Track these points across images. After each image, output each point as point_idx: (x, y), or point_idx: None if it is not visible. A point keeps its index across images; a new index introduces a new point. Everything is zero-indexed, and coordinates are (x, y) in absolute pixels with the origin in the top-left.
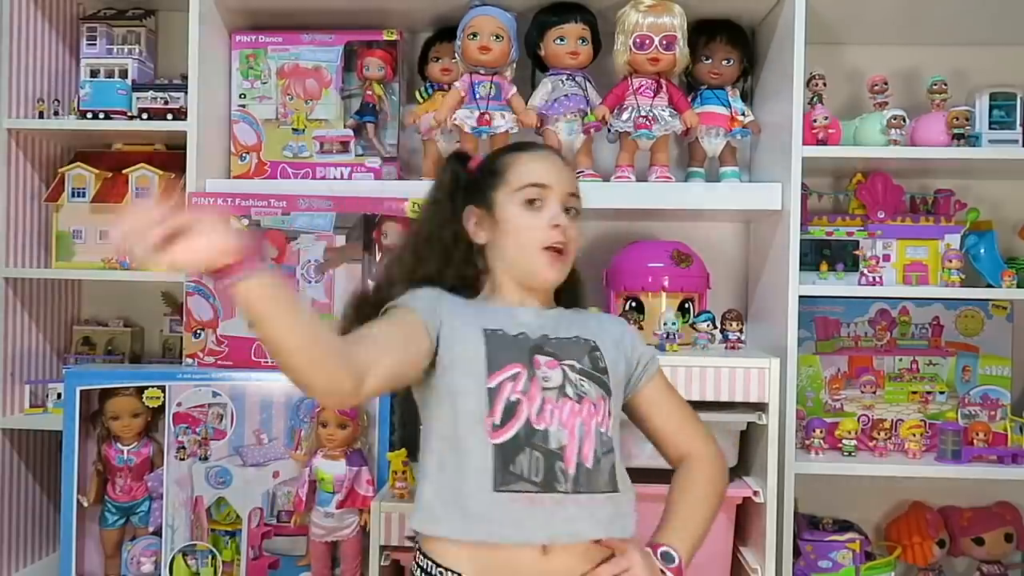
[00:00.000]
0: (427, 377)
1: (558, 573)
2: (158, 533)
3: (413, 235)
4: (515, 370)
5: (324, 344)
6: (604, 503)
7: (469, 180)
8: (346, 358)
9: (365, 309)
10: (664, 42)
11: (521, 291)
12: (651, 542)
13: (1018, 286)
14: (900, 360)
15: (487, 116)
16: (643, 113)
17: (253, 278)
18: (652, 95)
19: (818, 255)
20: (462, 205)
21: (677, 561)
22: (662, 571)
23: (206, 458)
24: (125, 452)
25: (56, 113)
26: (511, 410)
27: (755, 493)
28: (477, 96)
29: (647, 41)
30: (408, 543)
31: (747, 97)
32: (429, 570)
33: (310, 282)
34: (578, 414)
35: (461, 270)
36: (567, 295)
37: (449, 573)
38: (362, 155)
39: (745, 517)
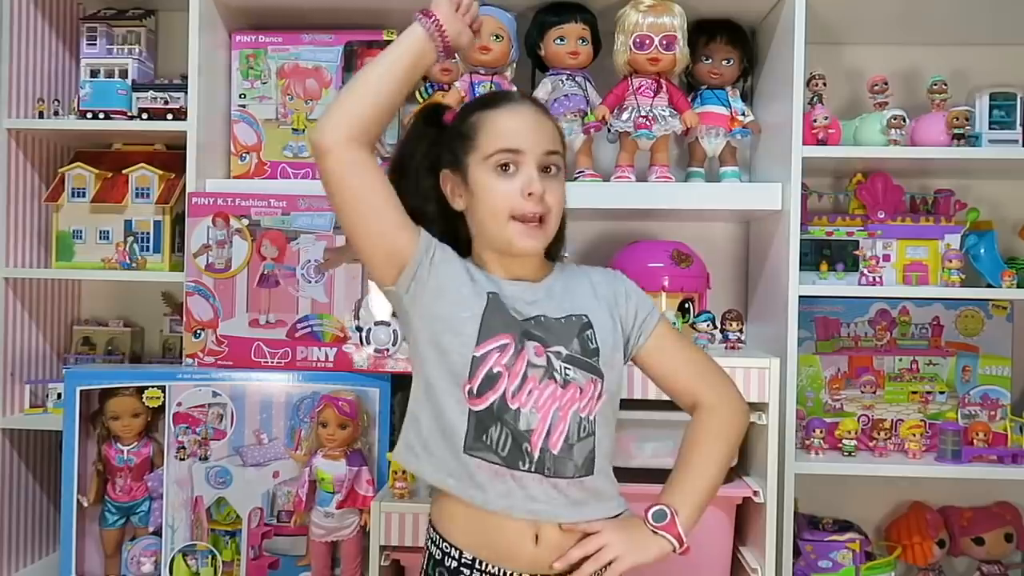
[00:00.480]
0: (410, 315)
1: (550, 560)
2: (158, 533)
3: None
4: (504, 341)
5: (379, 117)
6: (570, 487)
7: (444, 137)
8: (370, 135)
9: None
10: (664, 42)
11: (505, 260)
12: (649, 504)
13: (1018, 286)
14: (900, 360)
15: None
16: (643, 113)
17: (436, 55)
18: (652, 95)
19: (818, 255)
20: (439, 166)
21: (668, 517)
22: (653, 531)
23: (206, 458)
24: (125, 452)
25: (56, 113)
26: (490, 381)
27: (755, 493)
28: (477, 96)
29: (647, 41)
30: (408, 543)
31: (747, 97)
32: (440, 545)
33: (310, 282)
34: (557, 399)
35: (443, 237)
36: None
37: (454, 550)
38: None
39: (745, 517)
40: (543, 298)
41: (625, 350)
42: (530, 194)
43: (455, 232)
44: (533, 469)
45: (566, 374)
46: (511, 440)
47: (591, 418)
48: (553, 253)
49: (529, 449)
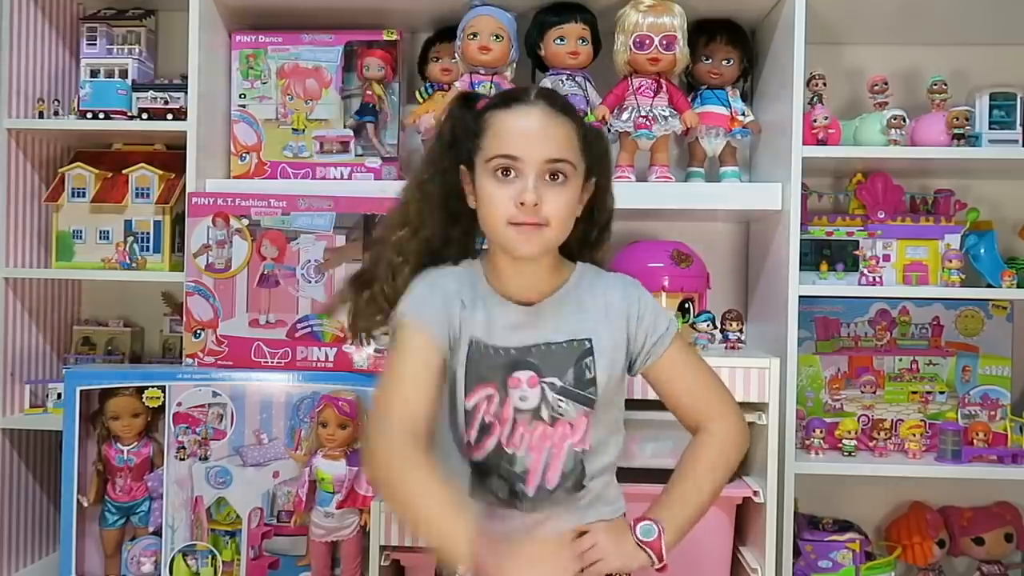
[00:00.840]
0: None
1: None
2: (158, 533)
3: (415, 190)
4: (488, 391)
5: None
6: (566, 510)
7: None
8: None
9: (366, 286)
10: (664, 42)
11: (516, 263)
12: (639, 516)
13: (1018, 286)
14: (900, 360)
15: None
16: (643, 113)
17: None
18: (652, 95)
19: (818, 255)
20: (461, 159)
21: (656, 535)
22: (639, 544)
23: (206, 458)
24: (125, 452)
25: (56, 113)
26: (485, 431)
27: (755, 493)
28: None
29: (647, 41)
30: (408, 543)
31: (747, 97)
32: None
33: (310, 282)
34: (549, 438)
35: (464, 234)
36: (585, 247)
37: None
38: (362, 155)
39: (745, 517)
40: (548, 318)
41: (631, 367)
42: (522, 203)
43: (467, 226)
44: (529, 509)
45: (558, 407)
46: (507, 483)
47: (587, 446)
48: (585, 255)
49: (524, 489)
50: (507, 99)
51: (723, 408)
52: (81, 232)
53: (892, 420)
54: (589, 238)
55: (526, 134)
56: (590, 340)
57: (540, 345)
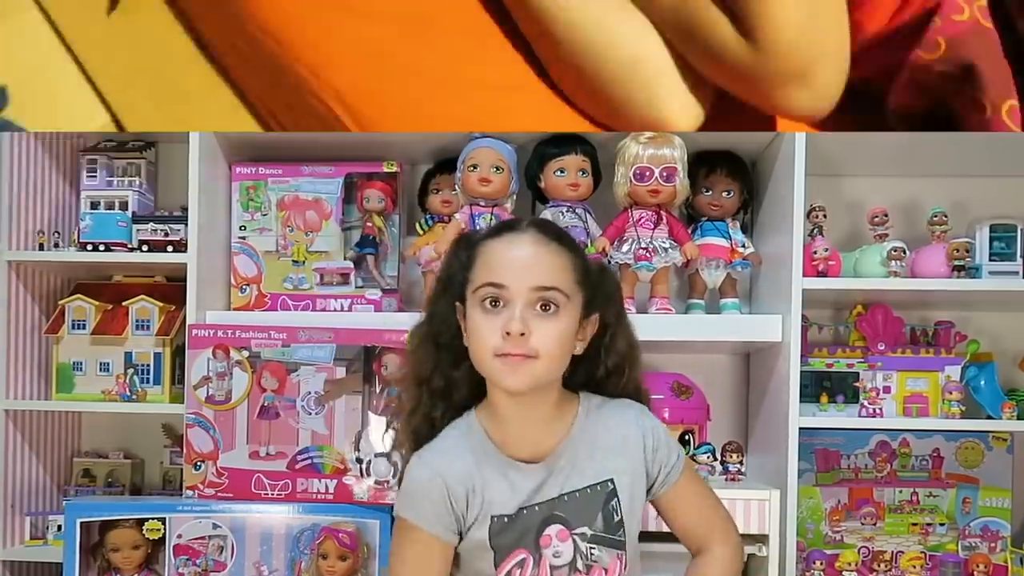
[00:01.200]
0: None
1: None
2: None
3: (417, 333)
4: (520, 556)
5: None
6: None
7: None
8: None
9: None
10: (664, 174)
11: (517, 407)
12: None
13: (1018, 418)
14: (900, 492)
15: None
16: (643, 245)
17: None
18: (652, 227)
19: (818, 387)
20: (456, 296)
21: None
22: None
23: None
24: None
25: (56, 245)
26: None
27: None
28: (478, 228)
29: (647, 173)
30: None
31: (747, 228)
32: None
33: (310, 414)
34: None
35: (469, 374)
36: (591, 387)
37: None
38: (362, 287)
39: None
40: (565, 466)
41: (647, 495)
42: (508, 333)
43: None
44: None
45: (591, 556)
46: None
47: None
48: (608, 389)
49: None
50: (499, 229)
51: (725, 530)
52: (81, 364)
53: (892, 552)
54: (594, 377)
55: (514, 262)
56: (612, 480)
57: (564, 496)
